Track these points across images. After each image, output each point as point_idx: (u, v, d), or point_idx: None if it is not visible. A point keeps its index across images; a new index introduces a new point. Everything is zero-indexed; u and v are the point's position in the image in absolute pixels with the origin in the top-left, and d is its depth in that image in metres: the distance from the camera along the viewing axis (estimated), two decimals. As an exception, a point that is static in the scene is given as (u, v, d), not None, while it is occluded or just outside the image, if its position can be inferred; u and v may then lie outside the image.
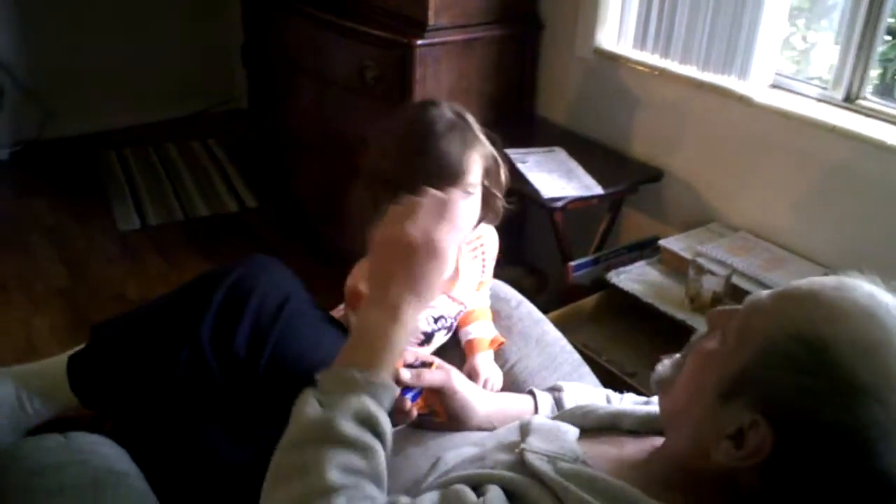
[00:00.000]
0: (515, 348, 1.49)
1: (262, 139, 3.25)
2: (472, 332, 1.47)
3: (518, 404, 1.21)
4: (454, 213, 0.89)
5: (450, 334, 1.50)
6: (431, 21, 2.27)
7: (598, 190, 2.08)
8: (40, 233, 3.06)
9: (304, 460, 0.77)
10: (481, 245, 1.43)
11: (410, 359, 1.06)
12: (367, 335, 0.87)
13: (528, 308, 1.58)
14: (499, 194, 1.33)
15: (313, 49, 2.62)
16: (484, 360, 1.44)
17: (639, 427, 0.94)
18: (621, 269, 2.01)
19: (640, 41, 2.24)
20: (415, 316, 0.87)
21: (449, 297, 1.40)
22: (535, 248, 2.72)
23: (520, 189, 2.09)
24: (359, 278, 1.28)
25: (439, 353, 1.53)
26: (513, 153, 2.23)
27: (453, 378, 1.06)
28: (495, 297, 1.56)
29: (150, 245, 3.02)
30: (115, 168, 3.63)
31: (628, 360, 1.86)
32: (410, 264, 0.87)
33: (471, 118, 1.29)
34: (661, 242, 2.04)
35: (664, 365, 0.89)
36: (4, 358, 2.34)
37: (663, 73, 2.18)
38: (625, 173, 2.24)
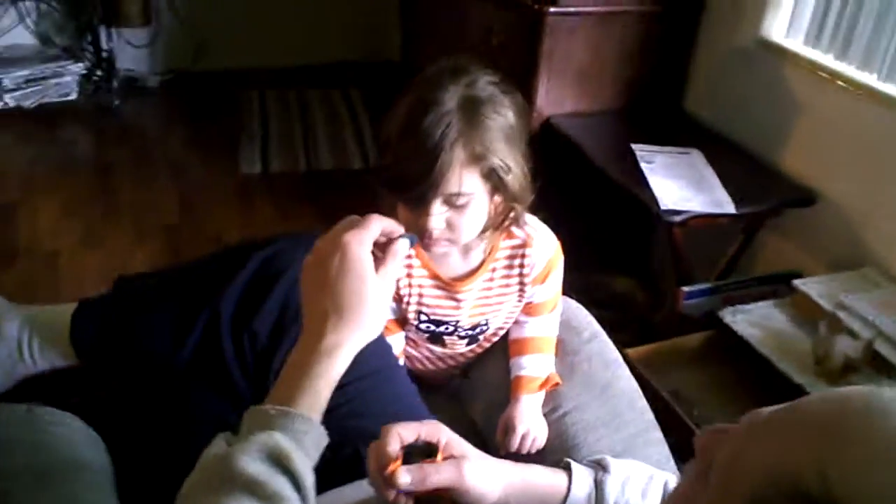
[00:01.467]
0: (573, 393, 1.25)
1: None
2: (524, 366, 1.26)
3: (547, 481, 0.96)
4: (367, 221, 0.83)
5: (482, 338, 1.29)
6: (570, -14, 1.98)
7: (729, 208, 1.76)
8: (165, 164, 3.08)
9: None
10: (521, 256, 1.19)
11: (410, 437, 0.82)
12: (290, 368, 0.80)
13: (601, 345, 1.32)
14: (508, 201, 1.08)
15: (449, 6, 2.42)
16: (528, 408, 1.22)
17: None
18: (741, 306, 1.68)
19: (815, 37, 1.87)
20: (341, 337, 0.79)
21: (453, 297, 1.19)
22: (660, 261, 2.41)
23: (637, 193, 1.81)
24: None
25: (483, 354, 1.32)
26: (639, 150, 1.94)
27: (465, 473, 0.83)
28: (565, 325, 1.32)
29: (266, 192, 2.96)
30: (254, 108, 3.60)
31: (725, 419, 1.56)
32: (322, 276, 0.81)
33: (490, 107, 1.01)
34: (797, 282, 1.69)
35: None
36: (100, 282, 2.34)
37: (837, 78, 1.81)
38: (769, 191, 1.89)
